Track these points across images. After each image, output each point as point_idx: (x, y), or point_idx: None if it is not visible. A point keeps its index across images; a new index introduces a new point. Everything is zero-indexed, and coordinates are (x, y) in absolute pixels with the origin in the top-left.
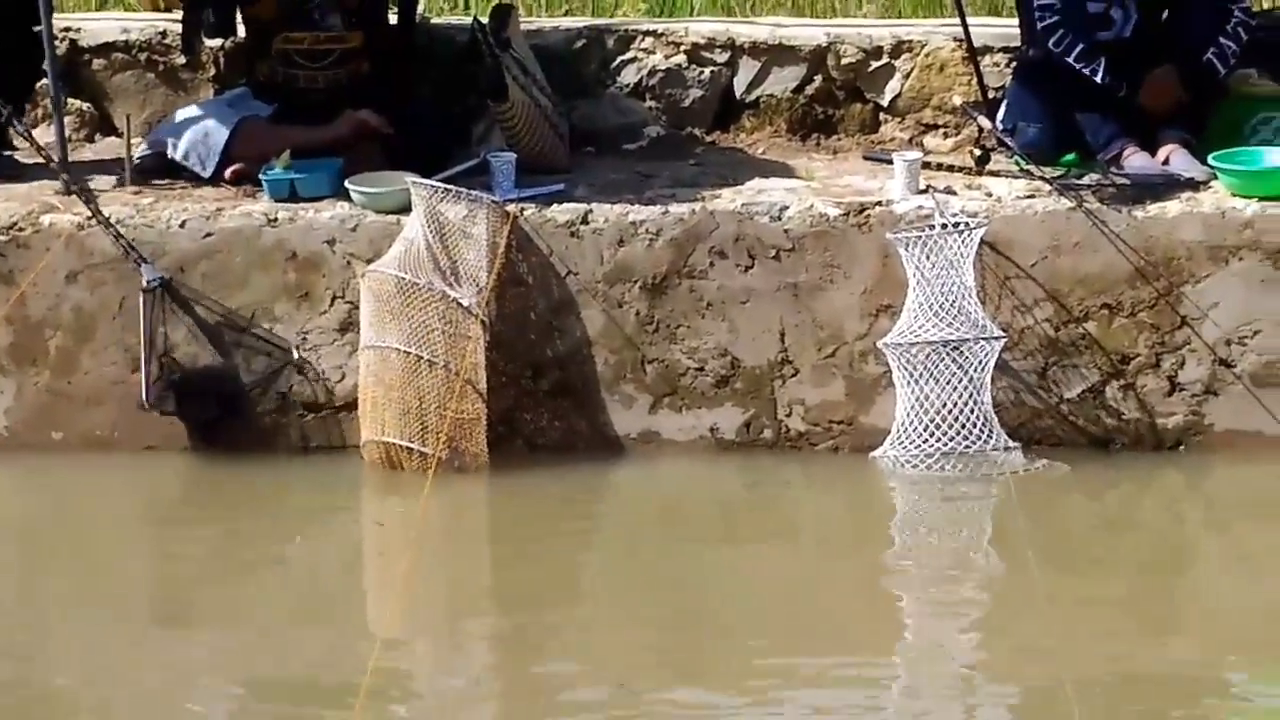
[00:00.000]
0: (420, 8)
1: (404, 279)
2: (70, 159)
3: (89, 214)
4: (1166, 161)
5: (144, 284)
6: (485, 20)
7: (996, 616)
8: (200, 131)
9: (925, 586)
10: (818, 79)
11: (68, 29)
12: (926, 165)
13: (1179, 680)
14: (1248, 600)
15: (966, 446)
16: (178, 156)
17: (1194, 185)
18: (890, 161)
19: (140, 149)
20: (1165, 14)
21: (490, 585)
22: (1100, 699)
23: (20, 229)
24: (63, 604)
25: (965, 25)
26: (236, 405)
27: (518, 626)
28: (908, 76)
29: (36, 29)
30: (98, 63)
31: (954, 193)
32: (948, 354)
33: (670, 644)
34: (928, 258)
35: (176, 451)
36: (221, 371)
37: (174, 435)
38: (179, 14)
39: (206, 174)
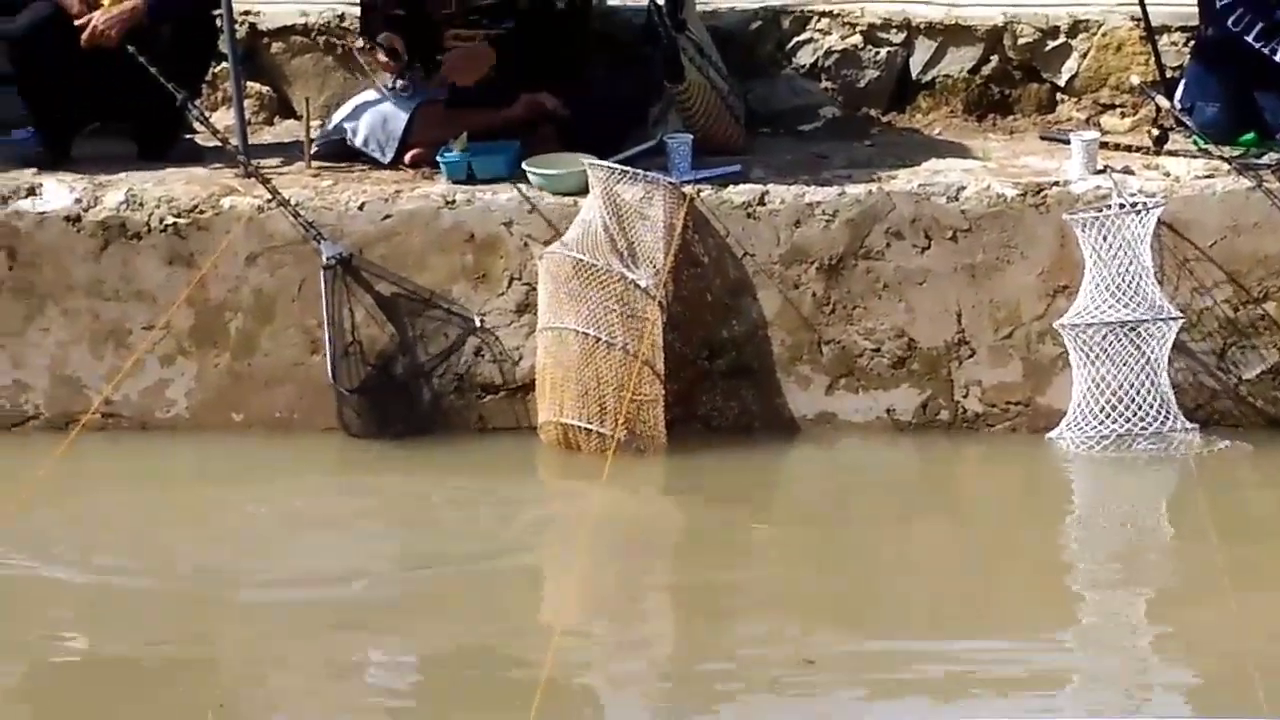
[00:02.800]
0: None
1: (581, 260)
2: (250, 142)
3: (268, 196)
4: None
5: (324, 261)
6: (662, 2)
7: (1178, 599)
8: (379, 118)
9: (1104, 567)
10: (994, 59)
11: (247, 13)
12: (1104, 145)
13: None
14: None
15: (1144, 427)
16: (358, 143)
17: None
18: (1067, 142)
19: (319, 135)
20: None
21: (669, 565)
22: None
23: (201, 212)
24: (234, 580)
25: (1143, 4)
26: (416, 385)
27: (697, 606)
28: (1085, 56)
29: (214, 13)
30: (276, 46)
31: (1132, 173)
32: (1125, 335)
33: (850, 620)
34: (1104, 238)
35: (355, 432)
36: (403, 349)
37: (352, 416)
38: None
39: (386, 160)
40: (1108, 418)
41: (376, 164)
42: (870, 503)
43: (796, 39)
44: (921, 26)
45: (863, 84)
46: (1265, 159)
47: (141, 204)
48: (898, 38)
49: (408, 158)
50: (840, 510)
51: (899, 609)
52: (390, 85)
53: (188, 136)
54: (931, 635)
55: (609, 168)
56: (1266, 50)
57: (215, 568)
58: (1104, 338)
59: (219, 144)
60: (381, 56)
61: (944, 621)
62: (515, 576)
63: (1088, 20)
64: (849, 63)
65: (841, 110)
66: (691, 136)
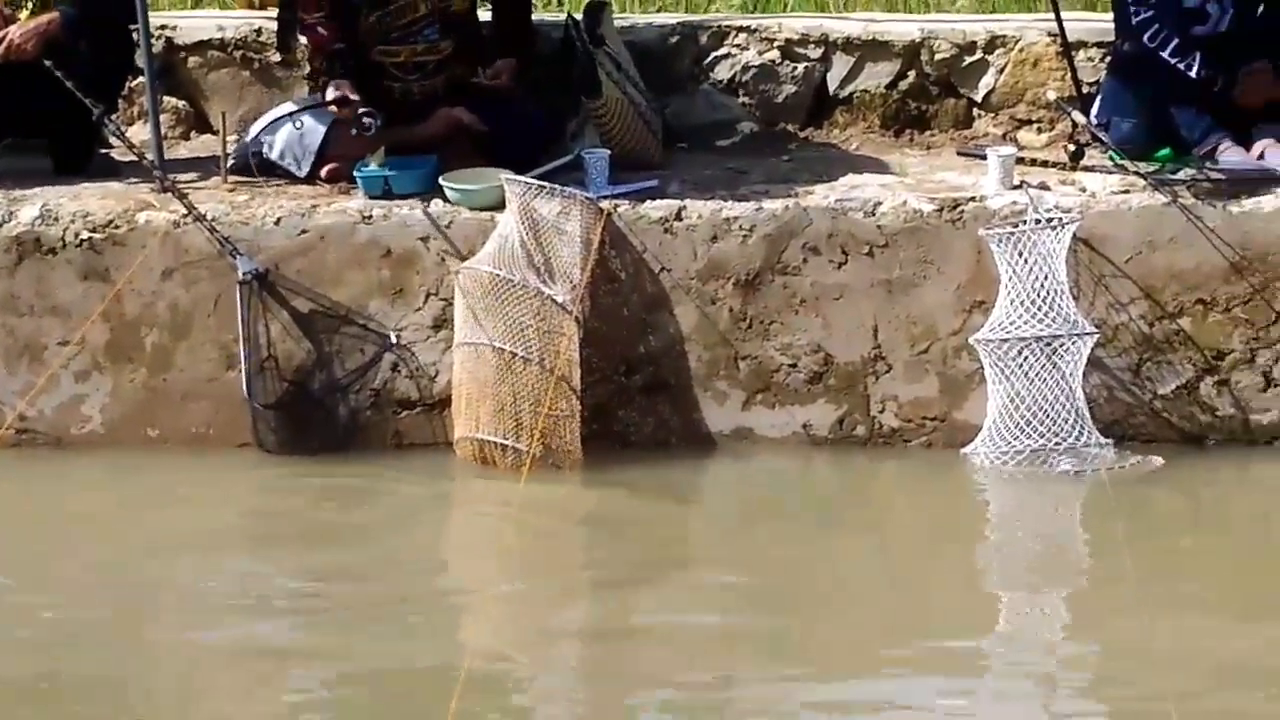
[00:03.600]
0: None
1: (498, 275)
2: (166, 157)
3: (184, 211)
4: (1261, 156)
5: (240, 276)
6: (579, 17)
7: (1090, 614)
8: (296, 131)
9: (1018, 583)
10: (911, 74)
11: (163, 27)
12: (1020, 161)
13: (1277, 680)
14: None
15: (1059, 443)
16: (274, 156)
17: None
18: (984, 157)
19: (235, 149)
20: (1261, 7)
21: (585, 580)
22: (1197, 699)
23: (116, 227)
24: (150, 600)
25: (1059, 20)
26: (333, 400)
27: (614, 620)
28: (1002, 72)
29: (131, 27)
30: (193, 60)
31: (1048, 188)
32: (1040, 350)
33: (765, 635)
34: (1020, 254)
35: (271, 448)
36: (319, 365)
37: (268, 432)
38: (274, 11)
39: (302, 174)
40: (1023, 433)
41: (292, 178)
42: (787, 518)
43: (714, 54)
44: (839, 42)
45: (780, 99)
46: (1180, 174)
47: (56, 219)
48: (815, 53)
49: (324, 172)
50: (757, 526)
51: (816, 626)
52: (360, 130)
53: (104, 151)
54: (848, 653)
55: (526, 183)
56: (1182, 66)
57: (128, 586)
58: (1019, 353)
59: (135, 159)
60: (333, 109)
61: (860, 640)
62: (429, 595)
63: (1004, 36)
64: (766, 78)
65: (759, 125)
66: (609, 152)
